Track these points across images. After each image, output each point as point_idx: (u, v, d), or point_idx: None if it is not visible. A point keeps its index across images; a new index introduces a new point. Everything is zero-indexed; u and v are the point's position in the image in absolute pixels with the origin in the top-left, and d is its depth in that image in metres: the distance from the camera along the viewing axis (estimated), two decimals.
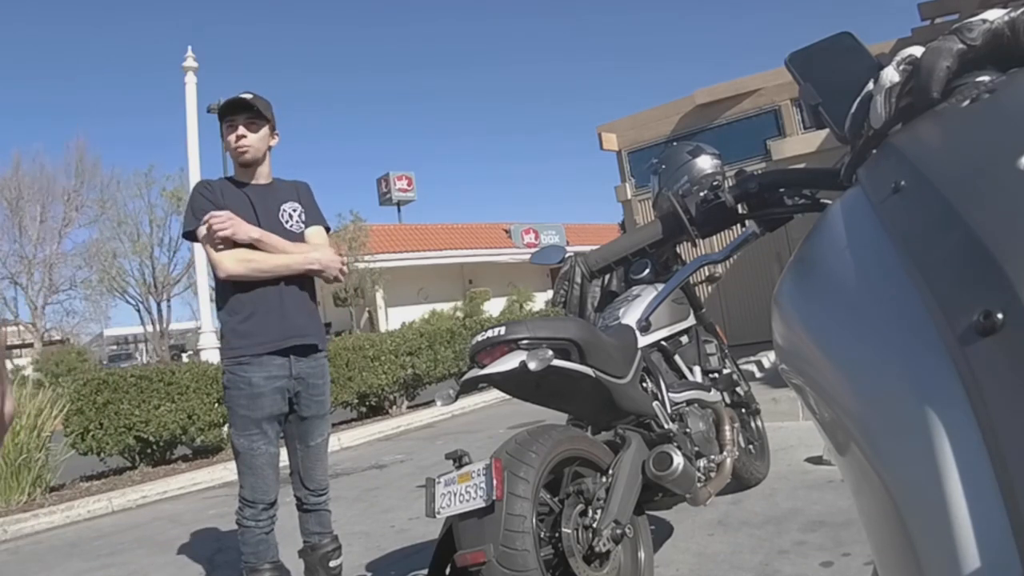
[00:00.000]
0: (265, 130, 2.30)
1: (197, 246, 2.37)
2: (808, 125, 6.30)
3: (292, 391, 2.23)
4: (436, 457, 4.05)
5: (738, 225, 1.21)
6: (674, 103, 9.35)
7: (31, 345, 21.37)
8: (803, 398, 0.56)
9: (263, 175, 2.34)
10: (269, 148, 2.35)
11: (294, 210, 2.34)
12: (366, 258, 17.78)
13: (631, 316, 2.40)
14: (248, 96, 2.27)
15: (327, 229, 2.43)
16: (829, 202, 1.00)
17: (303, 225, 2.35)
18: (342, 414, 7.39)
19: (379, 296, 19.49)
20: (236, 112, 2.26)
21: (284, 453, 2.30)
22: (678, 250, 2.82)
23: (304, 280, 2.31)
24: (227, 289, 2.23)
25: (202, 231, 2.18)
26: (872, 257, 0.49)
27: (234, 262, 2.16)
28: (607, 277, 2.67)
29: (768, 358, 6.34)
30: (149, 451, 5.94)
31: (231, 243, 2.17)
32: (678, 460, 2.00)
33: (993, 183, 0.42)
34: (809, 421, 3.59)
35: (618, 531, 1.83)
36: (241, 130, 2.25)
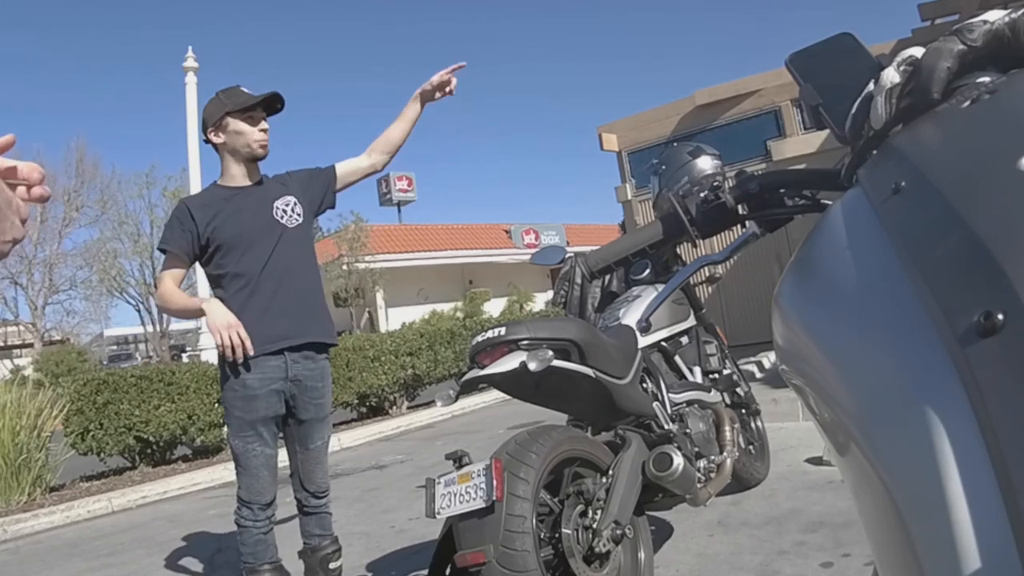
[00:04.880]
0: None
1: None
2: (808, 126, 6.30)
3: (288, 393, 2.20)
4: (436, 457, 4.05)
5: (738, 226, 1.20)
6: (674, 104, 9.36)
7: (31, 345, 21.39)
8: (803, 399, 0.56)
9: (256, 174, 2.31)
10: None
11: (287, 204, 2.29)
12: (366, 258, 17.78)
13: (631, 317, 2.40)
14: (245, 90, 2.25)
15: (332, 168, 2.42)
16: (829, 203, 1.00)
17: (300, 217, 2.30)
18: (342, 414, 7.38)
19: (379, 296, 19.48)
20: (257, 106, 2.22)
21: (284, 454, 2.30)
22: (678, 251, 2.82)
23: (301, 278, 2.27)
24: (215, 293, 2.22)
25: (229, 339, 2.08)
26: (872, 258, 0.49)
27: (158, 295, 2.34)
28: (607, 278, 2.67)
29: (768, 358, 6.34)
30: (149, 451, 5.94)
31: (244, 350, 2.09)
32: (678, 461, 2.00)
33: (993, 184, 0.42)
34: (809, 421, 3.59)
35: (618, 532, 1.83)
36: (263, 124, 2.23)
